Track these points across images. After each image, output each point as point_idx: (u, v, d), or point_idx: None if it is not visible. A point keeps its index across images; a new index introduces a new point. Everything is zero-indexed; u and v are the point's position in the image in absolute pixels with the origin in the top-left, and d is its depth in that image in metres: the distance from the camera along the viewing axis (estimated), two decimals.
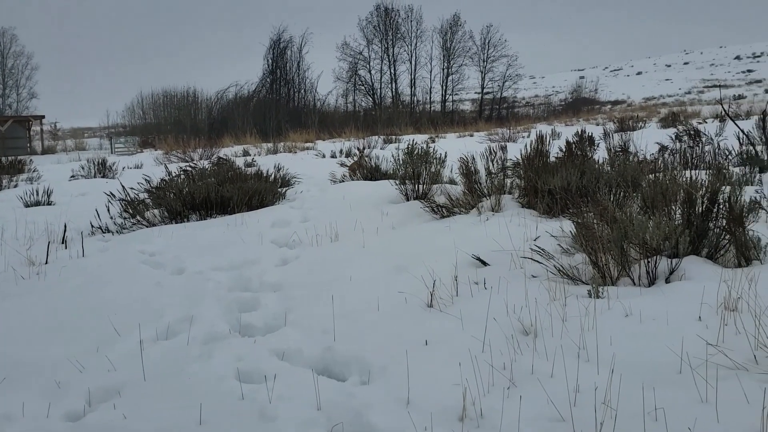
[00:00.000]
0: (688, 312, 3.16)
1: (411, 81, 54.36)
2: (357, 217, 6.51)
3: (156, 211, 7.54)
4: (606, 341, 3.00)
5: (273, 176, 9.48)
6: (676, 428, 2.34)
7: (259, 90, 52.15)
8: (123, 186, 8.29)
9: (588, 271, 4.01)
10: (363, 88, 54.22)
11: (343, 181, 10.02)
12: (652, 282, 3.78)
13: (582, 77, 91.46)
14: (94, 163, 14.72)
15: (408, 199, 7.39)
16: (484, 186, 6.66)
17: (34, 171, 15.35)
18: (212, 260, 5.41)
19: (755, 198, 4.87)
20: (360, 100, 54.51)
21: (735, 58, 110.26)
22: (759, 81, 79.94)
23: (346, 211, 6.97)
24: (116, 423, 2.80)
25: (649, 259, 3.83)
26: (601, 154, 9.40)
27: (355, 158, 11.51)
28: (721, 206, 4.07)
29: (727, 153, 8.29)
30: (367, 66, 53.90)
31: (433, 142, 20.59)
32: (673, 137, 12.76)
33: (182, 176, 8.75)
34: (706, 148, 8.97)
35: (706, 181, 4.42)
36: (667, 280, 3.76)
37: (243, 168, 10.87)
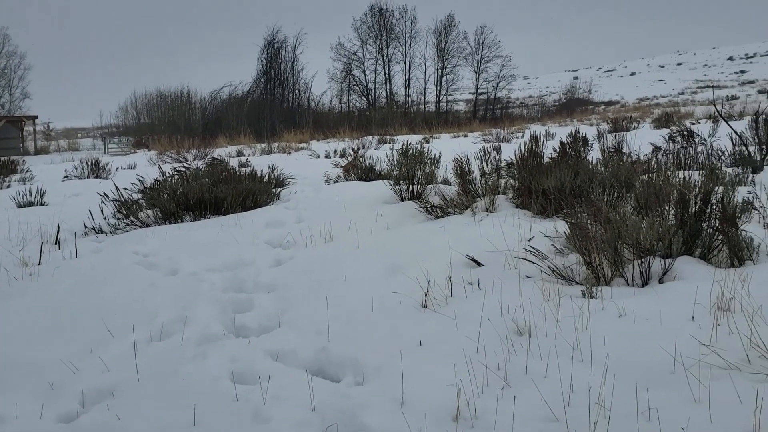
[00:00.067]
0: (682, 312, 3.17)
1: (405, 81, 54.46)
2: (351, 217, 6.50)
3: (150, 212, 7.51)
4: (600, 341, 3.01)
5: (267, 177, 9.47)
6: (670, 428, 2.35)
7: (253, 90, 52.16)
8: (116, 186, 8.25)
9: (582, 272, 4.02)
10: (357, 88, 54.26)
11: (337, 182, 10.02)
12: (645, 282, 3.79)
13: (576, 78, 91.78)
14: (87, 164, 14.66)
15: (402, 200, 7.39)
16: (478, 186, 6.66)
17: (26, 171, 15.30)
18: (206, 261, 5.40)
19: (748, 198, 4.89)
20: (354, 101, 54.61)
21: (728, 59, 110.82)
22: (752, 82, 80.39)
23: (340, 211, 6.97)
24: (110, 424, 2.79)
25: (643, 260, 3.84)
26: (594, 154, 9.43)
27: (350, 159, 11.51)
28: (714, 207, 4.09)
29: (720, 153, 8.33)
30: (362, 66, 53.95)
31: (428, 142, 20.59)
32: (667, 138, 12.81)
33: (176, 177, 8.72)
34: (700, 148, 9.00)
35: (700, 182, 4.44)
36: (661, 281, 3.77)
37: (237, 168, 10.86)
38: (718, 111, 12.06)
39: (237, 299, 4.50)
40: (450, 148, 13.60)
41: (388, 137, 25.78)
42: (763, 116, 8.49)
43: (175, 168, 9.67)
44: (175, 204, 7.41)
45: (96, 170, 14.43)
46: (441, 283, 4.13)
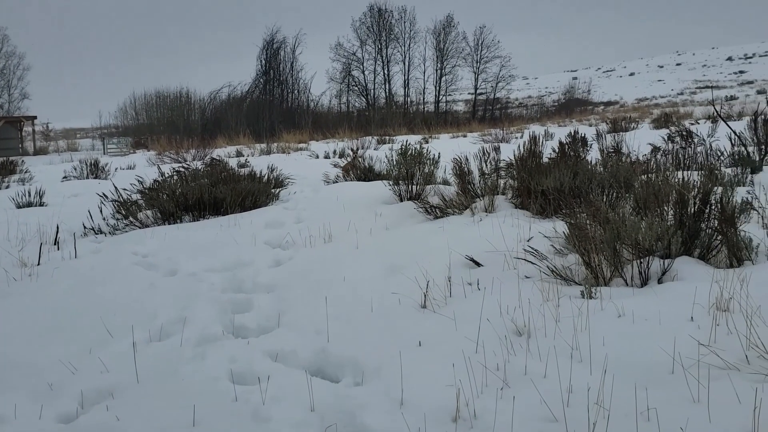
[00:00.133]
0: (681, 312, 3.17)
1: (404, 82, 54.46)
2: (350, 217, 6.51)
3: (149, 212, 7.51)
4: (599, 342, 3.01)
5: (266, 177, 9.47)
6: (669, 428, 2.35)
7: (252, 90, 52.16)
8: (116, 187, 8.25)
9: (581, 272, 4.02)
10: (356, 88, 54.27)
11: (336, 182, 10.02)
12: (644, 282, 3.79)
13: (575, 78, 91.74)
14: (86, 164, 14.65)
15: (401, 200, 7.39)
16: (477, 187, 6.67)
17: (26, 172, 15.27)
18: (205, 261, 5.40)
19: (747, 199, 4.89)
20: (353, 101, 54.62)
21: (727, 59, 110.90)
22: (751, 82, 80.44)
23: (339, 211, 6.97)
24: (109, 425, 2.79)
25: (642, 260, 3.85)
26: (593, 154, 9.43)
27: (349, 159, 11.50)
28: (713, 207, 4.09)
29: (719, 154, 8.33)
30: (361, 67, 53.96)
31: (427, 142, 20.60)
32: (666, 138, 12.82)
33: (175, 177, 8.72)
34: (699, 149, 9.00)
35: (699, 182, 4.44)
36: (660, 281, 3.77)
37: (236, 169, 10.85)
38: (717, 111, 12.07)
39: (236, 300, 4.50)
40: (449, 149, 13.59)
41: (387, 137, 25.79)
42: (762, 116, 8.50)
43: (174, 168, 9.66)
44: (175, 204, 7.41)
45: (95, 171, 14.43)
46: (440, 283, 4.13)
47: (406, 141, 9.22)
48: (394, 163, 7.69)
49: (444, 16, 59.67)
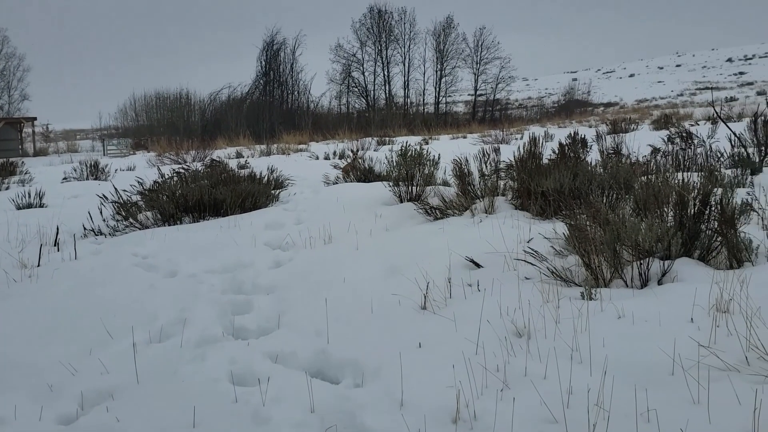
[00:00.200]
0: (680, 314, 3.17)
1: (404, 83, 54.46)
2: (350, 219, 6.51)
3: (149, 214, 7.51)
4: (599, 343, 3.01)
5: (266, 178, 9.47)
6: (669, 429, 2.35)
7: (252, 92, 52.19)
8: (115, 188, 8.25)
9: (581, 273, 4.02)
10: (356, 89, 54.28)
11: (336, 183, 10.02)
12: (644, 284, 3.79)
13: (575, 79, 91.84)
14: (86, 165, 14.65)
15: (401, 201, 7.40)
16: (477, 188, 6.67)
17: (25, 173, 15.26)
18: (205, 263, 5.40)
19: (747, 200, 4.89)
20: (353, 102, 54.63)
21: (727, 61, 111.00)
22: (751, 83, 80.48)
23: (339, 213, 6.97)
24: (109, 426, 2.79)
25: (642, 261, 3.85)
26: (593, 156, 9.44)
27: (349, 160, 11.50)
28: (713, 208, 4.09)
29: (719, 155, 8.34)
30: (361, 68, 53.97)
31: (427, 143, 20.60)
32: (666, 139, 12.83)
33: (175, 178, 8.72)
34: (698, 150, 9.01)
35: (698, 184, 4.44)
36: (660, 282, 3.77)
37: (236, 170, 10.86)
38: (716, 112, 12.06)
39: (236, 301, 4.50)
40: (449, 150, 13.61)
41: (387, 138, 25.80)
42: (762, 118, 8.50)
43: (174, 170, 9.67)
44: (174, 206, 7.41)
45: (95, 172, 14.42)
46: (440, 284, 4.13)
47: (406, 142, 9.22)
48: (394, 164, 7.70)
49: (444, 17, 59.80)
